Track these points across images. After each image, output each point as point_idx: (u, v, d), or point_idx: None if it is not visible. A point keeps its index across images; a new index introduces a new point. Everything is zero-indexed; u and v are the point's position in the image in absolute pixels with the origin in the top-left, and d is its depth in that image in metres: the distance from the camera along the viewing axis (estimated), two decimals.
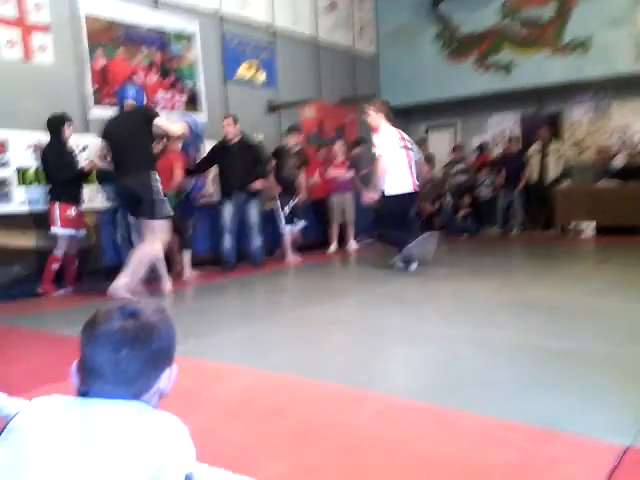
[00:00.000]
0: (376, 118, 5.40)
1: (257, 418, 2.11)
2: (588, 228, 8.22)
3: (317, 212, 8.05)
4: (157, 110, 5.09)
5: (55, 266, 5.07)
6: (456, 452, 1.76)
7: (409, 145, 5.46)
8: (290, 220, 6.77)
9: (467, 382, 2.41)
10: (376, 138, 5.33)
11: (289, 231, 6.80)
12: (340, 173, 7.73)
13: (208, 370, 2.75)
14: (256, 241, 6.30)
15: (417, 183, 5.54)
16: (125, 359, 0.95)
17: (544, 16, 8.78)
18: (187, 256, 5.69)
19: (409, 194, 5.43)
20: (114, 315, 0.98)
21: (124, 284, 4.47)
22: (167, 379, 1.04)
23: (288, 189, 6.77)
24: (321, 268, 6.48)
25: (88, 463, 0.87)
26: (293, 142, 6.90)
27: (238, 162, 5.97)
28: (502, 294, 4.37)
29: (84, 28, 5.83)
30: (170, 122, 4.80)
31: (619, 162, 8.84)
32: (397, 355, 2.87)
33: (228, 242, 6.13)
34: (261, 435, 1.96)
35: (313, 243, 7.96)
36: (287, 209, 6.73)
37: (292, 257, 6.70)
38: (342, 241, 7.85)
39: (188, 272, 5.67)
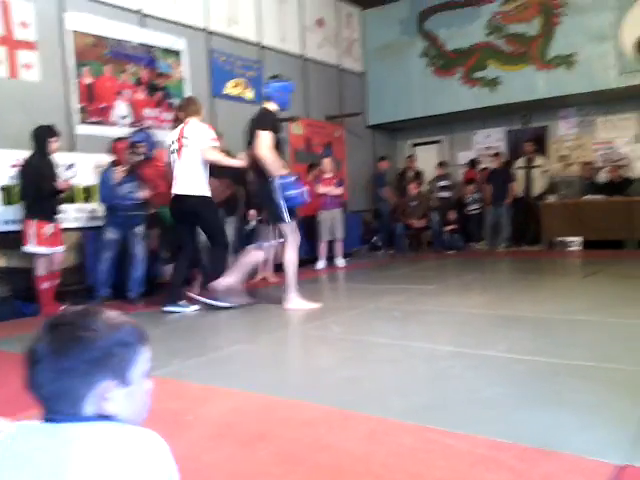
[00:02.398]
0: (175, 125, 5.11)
1: (244, 442, 2.06)
2: (574, 242, 8.28)
3: (305, 229, 8.03)
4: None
5: (45, 285, 4.96)
6: (446, 474, 1.73)
7: (186, 143, 4.75)
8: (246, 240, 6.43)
9: (457, 400, 2.38)
10: None
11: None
12: (330, 189, 7.73)
13: (193, 392, 2.70)
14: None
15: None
16: (57, 373, 0.90)
17: (529, 32, 8.91)
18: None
19: (173, 198, 4.87)
20: (42, 333, 0.93)
21: (227, 283, 4.69)
22: (101, 394, 0.92)
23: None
24: (308, 285, 6.44)
25: None
26: None
27: (221, 175, 5.82)
28: (490, 310, 4.35)
29: (71, 45, 5.82)
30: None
31: (604, 177, 8.93)
32: (386, 374, 2.84)
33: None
34: (248, 460, 1.91)
35: (301, 260, 7.92)
36: (248, 227, 6.42)
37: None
38: (330, 258, 7.83)
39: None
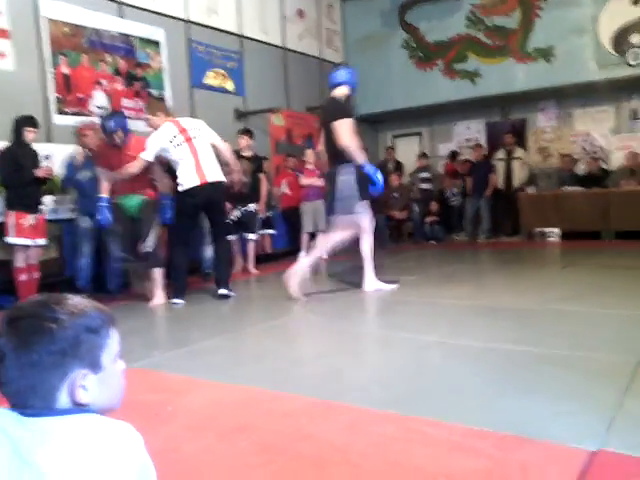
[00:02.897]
0: (156, 120, 4.90)
1: (224, 433, 2.06)
2: (553, 233, 8.38)
3: (288, 221, 8.02)
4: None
5: (22, 277, 4.89)
6: (425, 461, 1.74)
7: (194, 134, 4.79)
8: (236, 229, 6.42)
9: (437, 389, 2.41)
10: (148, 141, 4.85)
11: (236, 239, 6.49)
12: (314, 180, 7.71)
13: (173, 384, 2.69)
14: (207, 251, 6.08)
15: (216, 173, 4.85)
16: (24, 367, 0.87)
17: (508, 25, 8.95)
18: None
19: (198, 188, 4.76)
20: (1, 328, 0.89)
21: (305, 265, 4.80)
22: (73, 384, 0.90)
23: (238, 195, 6.27)
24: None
25: None
26: (243, 145, 6.58)
27: None
28: (471, 300, 4.39)
29: (46, 34, 5.71)
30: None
31: (582, 168, 9.04)
32: (367, 364, 2.85)
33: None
34: (228, 451, 1.91)
35: (284, 251, 7.92)
36: (233, 217, 6.38)
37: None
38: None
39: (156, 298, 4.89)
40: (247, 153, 6.58)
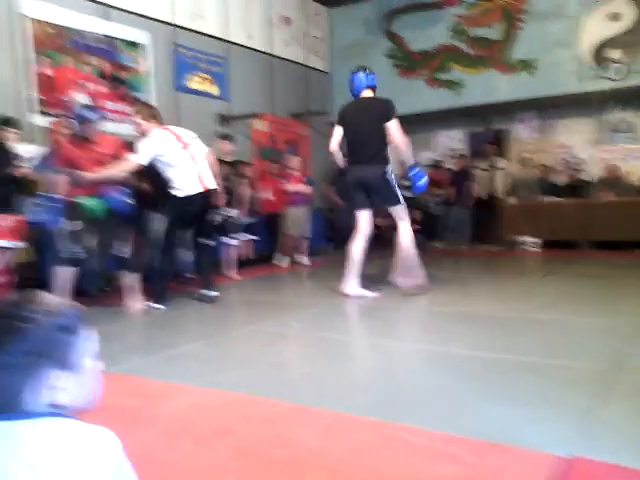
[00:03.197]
0: (148, 126, 4.83)
1: (202, 438, 2.05)
2: (533, 242, 8.48)
3: (270, 226, 8.02)
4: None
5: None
6: (402, 468, 1.76)
7: (189, 141, 4.83)
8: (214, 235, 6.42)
9: (416, 396, 2.42)
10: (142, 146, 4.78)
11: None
12: (300, 187, 7.72)
13: (151, 389, 2.67)
14: (187, 255, 6.00)
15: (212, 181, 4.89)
16: None
17: (491, 36, 9.07)
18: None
19: (199, 195, 4.79)
20: None
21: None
22: (50, 385, 0.88)
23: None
24: (271, 282, 6.44)
25: None
26: (227, 150, 6.53)
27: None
28: (450, 308, 4.43)
29: (29, 34, 5.67)
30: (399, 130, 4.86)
31: (562, 179, 9.17)
32: (346, 370, 2.86)
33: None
34: (205, 456, 1.91)
35: (265, 257, 7.91)
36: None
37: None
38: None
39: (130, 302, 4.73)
40: (228, 158, 6.55)
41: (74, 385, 0.91)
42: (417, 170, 5.10)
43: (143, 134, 4.83)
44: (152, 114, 4.93)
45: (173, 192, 4.77)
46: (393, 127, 4.84)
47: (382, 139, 4.88)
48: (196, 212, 4.87)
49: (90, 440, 0.87)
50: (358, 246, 4.99)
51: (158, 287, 4.88)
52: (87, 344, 0.95)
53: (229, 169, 6.42)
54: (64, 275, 4.52)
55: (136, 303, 4.76)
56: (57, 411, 0.90)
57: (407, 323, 3.99)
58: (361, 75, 5.10)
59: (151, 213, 5.70)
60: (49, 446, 0.84)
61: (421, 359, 2.98)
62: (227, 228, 6.46)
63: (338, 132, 5.00)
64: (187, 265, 6.02)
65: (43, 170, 5.11)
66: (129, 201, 4.77)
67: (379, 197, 4.97)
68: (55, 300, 0.94)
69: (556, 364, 2.76)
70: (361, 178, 4.89)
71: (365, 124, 4.87)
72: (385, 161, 4.91)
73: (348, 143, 4.97)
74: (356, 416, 2.19)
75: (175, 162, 4.72)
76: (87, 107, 4.92)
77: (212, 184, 4.87)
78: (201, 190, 4.76)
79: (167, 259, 4.93)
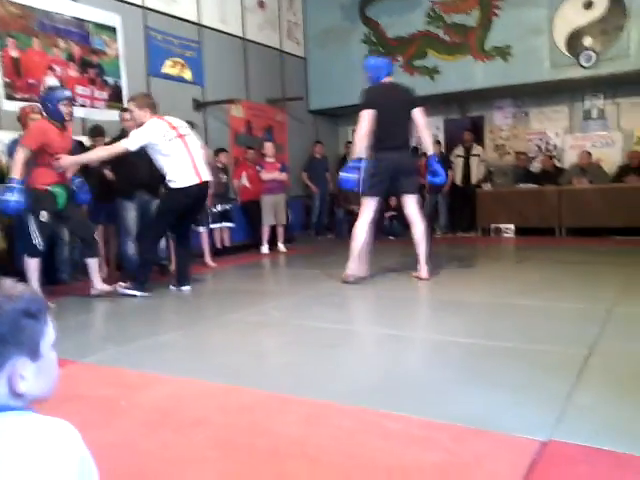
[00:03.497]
0: (141, 114, 4.79)
1: (180, 428, 2.02)
2: (508, 229, 8.57)
3: (248, 214, 7.96)
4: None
5: None
6: (382, 455, 1.75)
7: (184, 132, 4.80)
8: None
9: (394, 383, 2.42)
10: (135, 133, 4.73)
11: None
12: (276, 175, 7.66)
13: (128, 379, 2.63)
14: (161, 242, 5.98)
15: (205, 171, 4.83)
16: None
17: (468, 23, 9.07)
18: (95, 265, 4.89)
19: (196, 187, 4.72)
20: None
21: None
22: (14, 372, 0.85)
23: None
24: (250, 270, 6.40)
25: None
26: None
27: (144, 158, 5.54)
28: (428, 294, 4.45)
29: None
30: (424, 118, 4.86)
31: (537, 166, 9.27)
32: (325, 358, 2.85)
33: (132, 249, 5.52)
34: (184, 446, 1.88)
35: (243, 245, 7.86)
36: None
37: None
38: (274, 243, 7.79)
39: (99, 284, 4.79)
40: None
41: (35, 374, 0.88)
42: (438, 159, 5.15)
43: (136, 123, 4.75)
44: (147, 103, 4.84)
45: (169, 184, 4.72)
46: (421, 114, 4.84)
47: (410, 125, 4.88)
48: (191, 204, 4.80)
49: (51, 434, 0.83)
50: (363, 231, 4.91)
51: (140, 274, 4.81)
52: (49, 332, 0.92)
53: None
54: (34, 264, 4.44)
55: (102, 285, 4.75)
56: (17, 401, 0.86)
57: (385, 310, 3.99)
58: (383, 60, 5.10)
59: (122, 201, 5.62)
60: (9, 442, 0.80)
61: (400, 346, 2.99)
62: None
63: (369, 116, 4.76)
64: (162, 252, 5.95)
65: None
66: (85, 189, 4.73)
67: (409, 183, 4.94)
68: (16, 285, 0.89)
69: (535, 349, 2.79)
70: (397, 164, 4.80)
71: (399, 109, 4.81)
72: (409, 147, 5.03)
73: (380, 128, 4.76)
74: (336, 404, 2.18)
75: (169, 152, 4.65)
76: (60, 86, 4.80)
77: (207, 176, 4.81)
78: (197, 182, 4.69)
79: (151, 248, 4.87)
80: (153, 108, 4.80)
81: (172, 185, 4.68)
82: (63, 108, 4.45)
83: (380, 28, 9.82)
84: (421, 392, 2.29)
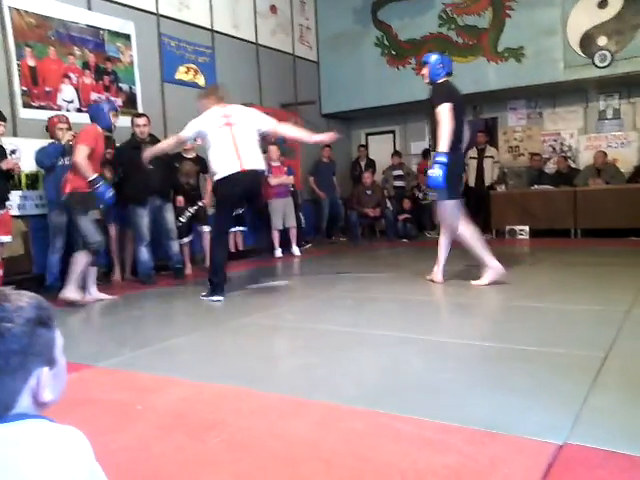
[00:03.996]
0: (201, 104, 4.89)
1: (194, 431, 2.04)
2: (522, 231, 8.51)
3: (258, 218, 7.97)
4: None
5: None
6: (396, 458, 1.75)
7: (234, 121, 4.71)
8: (186, 231, 6.31)
9: (407, 386, 2.42)
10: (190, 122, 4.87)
11: (185, 243, 6.35)
12: (283, 179, 7.69)
13: (143, 382, 2.65)
14: (175, 246, 6.01)
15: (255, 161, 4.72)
16: None
17: (480, 24, 9.04)
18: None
19: (237, 175, 4.62)
20: None
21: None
22: (37, 384, 0.86)
23: (186, 197, 6.26)
24: (263, 274, 6.41)
25: None
26: (188, 146, 6.28)
27: (155, 164, 5.63)
28: (441, 297, 4.43)
29: (9, 24, 5.56)
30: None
31: (551, 167, 9.20)
32: (338, 361, 2.85)
33: (145, 254, 5.72)
34: (198, 449, 1.89)
35: (255, 249, 7.89)
36: (183, 219, 6.22)
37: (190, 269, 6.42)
38: (286, 246, 7.81)
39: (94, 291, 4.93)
40: (191, 154, 6.40)
41: (53, 380, 0.89)
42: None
43: (202, 110, 4.85)
44: (213, 94, 4.93)
45: (213, 177, 4.80)
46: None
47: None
48: (240, 194, 4.74)
49: (63, 443, 0.84)
50: (468, 229, 4.80)
51: (215, 278, 4.70)
52: (59, 338, 0.93)
53: (192, 165, 6.35)
54: (83, 260, 4.62)
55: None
56: (37, 409, 0.87)
57: (398, 313, 3.98)
58: (447, 59, 5.05)
59: (134, 207, 5.68)
60: (23, 451, 0.80)
61: (412, 348, 2.98)
62: (198, 218, 6.38)
63: (451, 109, 4.59)
64: (175, 256, 6.00)
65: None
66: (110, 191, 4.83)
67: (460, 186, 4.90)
68: (23, 295, 0.90)
69: (547, 352, 2.76)
70: (463, 166, 4.81)
71: (464, 109, 4.81)
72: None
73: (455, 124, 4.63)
74: (349, 407, 2.18)
75: (214, 141, 4.68)
76: (109, 100, 5.03)
77: (254, 165, 4.67)
78: (238, 170, 4.57)
79: (220, 248, 4.82)
80: (218, 99, 4.86)
81: (215, 178, 4.72)
82: (113, 118, 4.79)
83: (392, 31, 9.83)
84: (434, 395, 2.28)
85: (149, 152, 5.03)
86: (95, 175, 4.63)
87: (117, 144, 5.89)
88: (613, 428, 1.86)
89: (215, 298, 4.62)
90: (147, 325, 4.03)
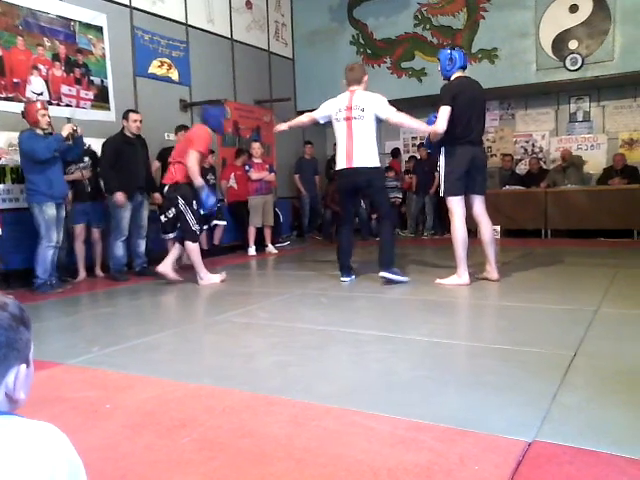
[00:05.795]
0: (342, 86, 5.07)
1: (165, 430, 2.01)
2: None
3: (234, 215, 7.93)
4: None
5: None
6: (367, 455, 1.75)
7: (356, 115, 4.76)
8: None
9: (380, 384, 2.42)
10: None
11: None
12: (264, 174, 7.64)
13: (113, 381, 2.60)
14: (142, 245, 6.00)
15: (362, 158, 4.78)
16: None
17: (455, 25, 9.11)
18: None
19: (345, 171, 4.85)
20: None
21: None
22: (14, 381, 0.86)
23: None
24: (238, 271, 6.37)
25: None
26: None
27: (141, 159, 5.63)
28: (413, 295, 4.46)
29: None
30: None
31: (522, 168, 9.33)
32: (311, 359, 2.84)
33: (121, 250, 5.71)
34: (169, 448, 1.86)
35: (230, 246, 7.84)
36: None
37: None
38: (261, 244, 7.78)
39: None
40: None
41: (26, 379, 0.89)
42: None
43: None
44: (345, 77, 4.98)
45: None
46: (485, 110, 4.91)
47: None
48: (352, 188, 4.91)
49: (39, 438, 0.83)
50: (462, 230, 4.87)
51: (339, 261, 5.09)
52: (32, 337, 0.93)
53: None
54: (196, 248, 5.16)
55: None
56: (10, 407, 0.87)
57: (371, 311, 4.00)
58: (459, 53, 4.97)
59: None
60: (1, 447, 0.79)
61: (385, 347, 2.99)
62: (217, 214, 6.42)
63: (448, 112, 4.64)
64: (141, 257, 5.94)
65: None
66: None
67: (483, 181, 4.96)
68: (4, 296, 0.89)
69: (521, 350, 2.80)
70: (475, 159, 4.75)
71: (477, 103, 4.79)
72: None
73: (457, 121, 4.63)
74: (321, 405, 2.18)
75: (335, 132, 4.89)
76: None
77: (362, 162, 4.75)
78: (344, 166, 4.79)
79: (344, 234, 5.12)
80: (350, 82, 4.92)
81: (336, 168, 4.94)
82: (225, 123, 5.21)
83: (368, 30, 9.84)
84: (407, 393, 2.29)
85: (286, 125, 5.26)
86: (202, 183, 4.97)
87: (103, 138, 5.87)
88: (582, 425, 1.89)
89: (342, 279, 5.01)
90: (118, 322, 3.97)
